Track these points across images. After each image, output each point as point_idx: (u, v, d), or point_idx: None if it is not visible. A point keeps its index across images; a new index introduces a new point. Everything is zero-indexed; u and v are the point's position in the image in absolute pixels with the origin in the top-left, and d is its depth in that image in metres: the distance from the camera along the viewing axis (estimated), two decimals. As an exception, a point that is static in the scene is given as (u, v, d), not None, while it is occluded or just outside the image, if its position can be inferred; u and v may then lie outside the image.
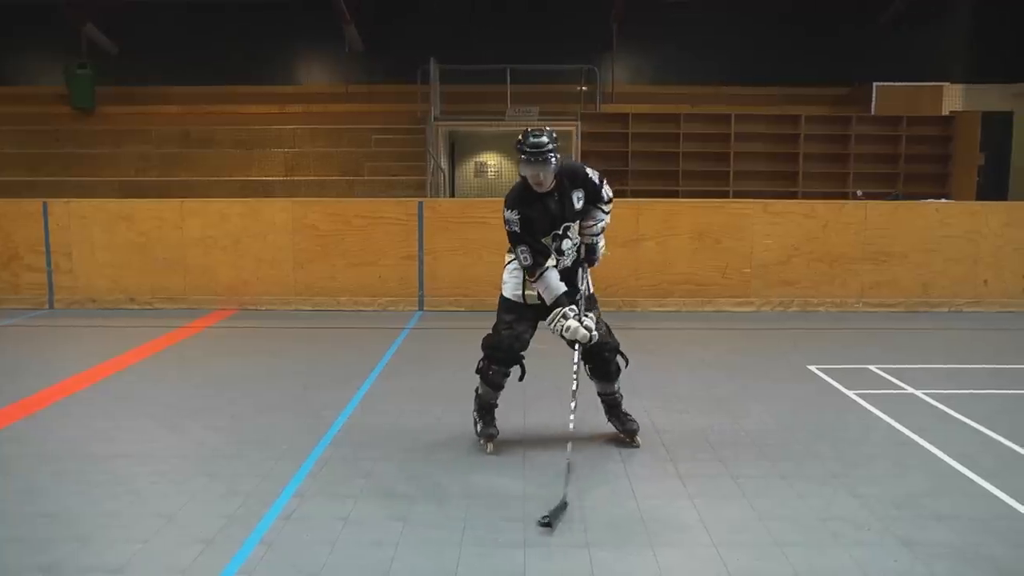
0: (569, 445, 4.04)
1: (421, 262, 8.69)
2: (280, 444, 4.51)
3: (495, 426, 4.50)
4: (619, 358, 4.47)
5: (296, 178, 13.64)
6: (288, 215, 8.72)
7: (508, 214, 4.18)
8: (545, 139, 4.06)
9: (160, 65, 15.30)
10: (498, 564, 3.19)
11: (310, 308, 8.72)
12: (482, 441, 4.48)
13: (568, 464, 3.92)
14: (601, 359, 4.43)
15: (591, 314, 4.24)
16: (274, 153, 14.02)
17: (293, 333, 7.84)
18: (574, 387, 4.25)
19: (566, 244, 4.28)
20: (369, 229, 8.69)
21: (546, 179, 4.13)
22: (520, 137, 4.13)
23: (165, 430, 4.81)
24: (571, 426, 4.15)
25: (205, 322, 8.18)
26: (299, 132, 14.39)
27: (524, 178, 4.19)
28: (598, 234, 4.40)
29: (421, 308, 8.72)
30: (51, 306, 8.80)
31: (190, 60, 15.29)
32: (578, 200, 4.27)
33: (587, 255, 4.41)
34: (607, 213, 4.45)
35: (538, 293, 4.29)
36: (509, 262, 4.44)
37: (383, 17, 15.59)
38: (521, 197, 4.21)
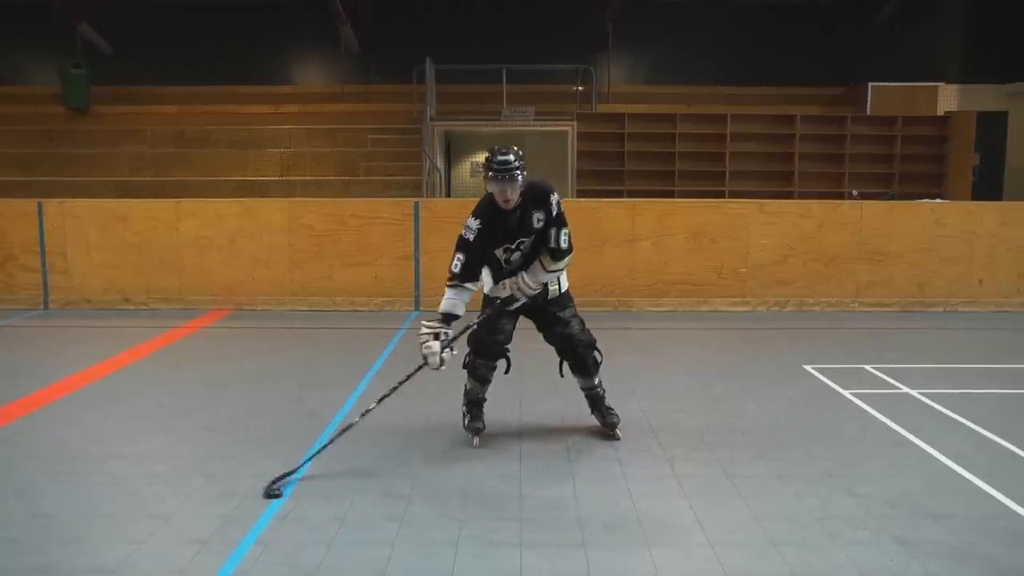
0: None
1: (417, 262, 8.69)
2: (276, 444, 4.51)
3: (482, 420, 4.64)
4: (595, 353, 4.58)
5: (292, 178, 13.63)
6: (284, 215, 8.71)
7: (471, 221, 4.31)
8: (512, 157, 4.18)
9: (155, 65, 15.26)
10: (494, 564, 3.19)
11: (306, 308, 8.71)
12: (470, 435, 4.60)
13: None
14: (576, 355, 4.57)
15: (453, 349, 4.26)
16: (270, 153, 14.00)
17: (289, 333, 7.83)
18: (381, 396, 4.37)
19: (515, 256, 4.41)
20: (365, 229, 8.68)
21: (512, 196, 4.23)
22: (488, 154, 4.26)
23: (161, 431, 4.80)
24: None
25: (201, 322, 8.16)
26: (295, 132, 14.37)
27: (491, 193, 4.28)
28: (547, 280, 4.45)
29: (417, 308, 8.71)
30: (46, 306, 8.78)
31: (185, 60, 15.25)
32: (538, 221, 4.34)
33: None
34: (552, 272, 4.41)
35: (504, 288, 4.40)
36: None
37: (379, 17, 15.57)
38: (487, 209, 4.32)
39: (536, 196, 4.32)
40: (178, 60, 15.25)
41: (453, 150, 17.51)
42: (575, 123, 13.97)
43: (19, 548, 3.31)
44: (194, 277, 8.72)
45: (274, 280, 8.72)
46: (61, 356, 6.76)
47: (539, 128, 14.35)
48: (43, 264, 8.75)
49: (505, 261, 4.40)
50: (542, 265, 4.39)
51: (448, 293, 4.31)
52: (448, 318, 4.28)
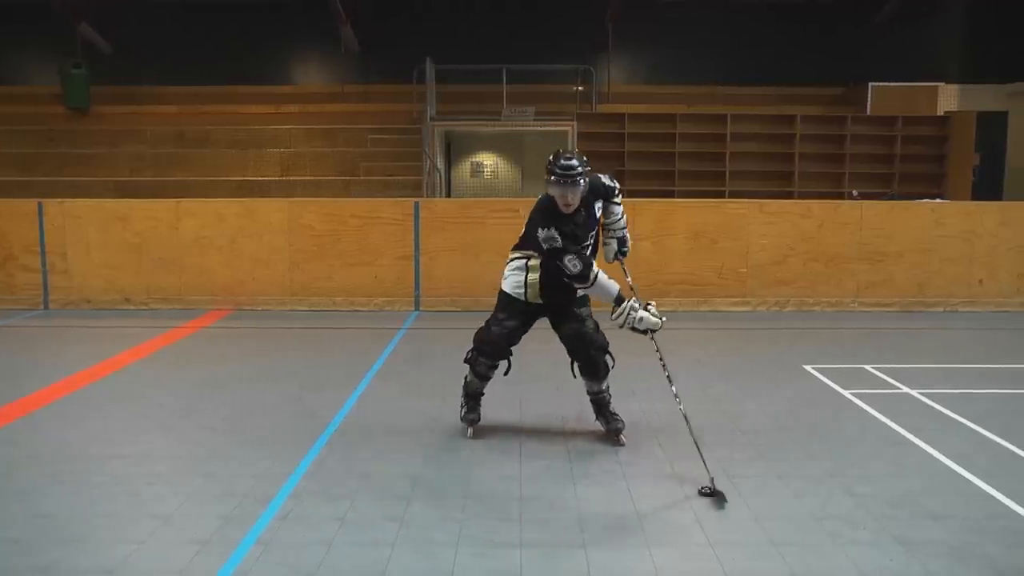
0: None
1: (417, 262, 8.69)
2: (276, 444, 4.51)
3: (478, 412, 4.69)
4: (607, 357, 4.55)
5: (292, 178, 13.63)
6: (284, 215, 8.71)
7: (545, 233, 4.21)
8: (575, 162, 4.17)
9: (155, 65, 15.26)
10: (494, 564, 3.19)
11: (306, 308, 8.71)
12: (465, 425, 4.67)
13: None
14: (588, 357, 4.53)
15: (651, 303, 4.35)
16: (270, 153, 14.00)
17: (289, 333, 7.83)
18: (666, 374, 4.41)
19: (590, 252, 4.44)
20: (365, 229, 8.68)
21: (574, 201, 4.23)
22: (551, 158, 4.23)
23: (161, 431, 4.80)
24: (680, 405, 4.28)
25: (201, 322, 8.16)
26: (295, 132, 14.37)
27: (550, 197, 4.26)
28: (624, 227, 4.69)
29: (417, 308, 8.71)
30: (46, 306, 8.78)
31: (185, 60, 15.25)
32: (598, 210, 4.47)
33: (620, 248, 4.70)
34: (620, 204, 4.66)
35: (539, 291, 4.43)
36: (514, 259, 4.55)
37: (379, 17, 15.57)
38: (551, 214, 4.27)
39: (593, 191, 4.39)
40: (178, 60, 15.25)
41: (453, 150, 17.51)
42: (575, 123, 13.97)
43: (19, 548, 3.31)
44: (194, 277, 8.72)
45: (274, 280, 8.72)
46: (61, 356, 6.76)
47: (539, 128, 14.35)
48: (43, 264, 8.75)
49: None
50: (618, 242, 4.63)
51: (598, 284, 4.26)
52: (622, 292, 4.31)
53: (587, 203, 4.35)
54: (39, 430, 4.84)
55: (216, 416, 5.06)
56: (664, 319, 4.30)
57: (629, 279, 4.65)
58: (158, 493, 3.87)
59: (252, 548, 3.31)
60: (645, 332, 4.29)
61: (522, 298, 4.48)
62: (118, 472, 4.12)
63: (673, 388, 4.34)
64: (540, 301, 4.47)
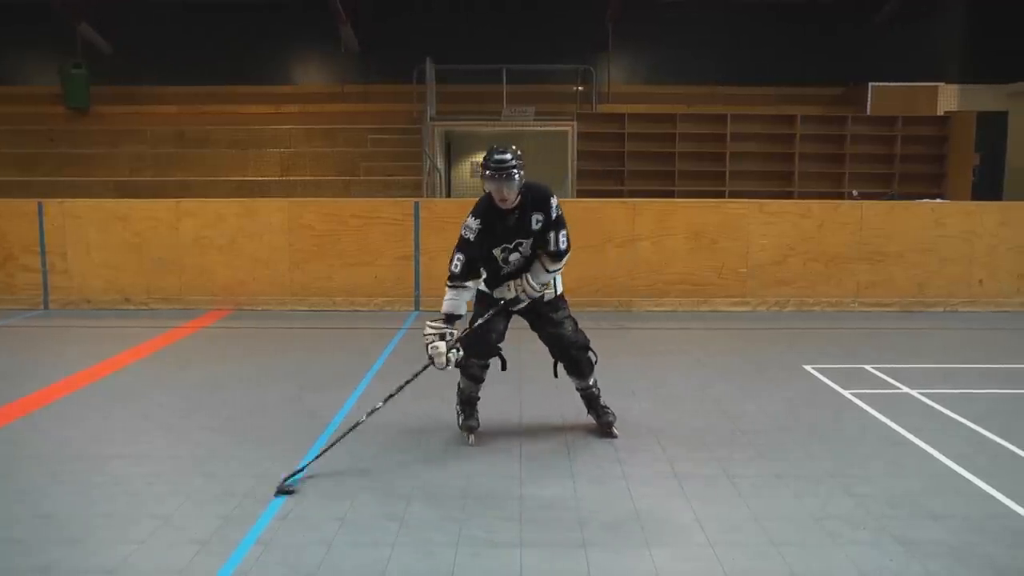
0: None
1: (417, 262, 8.69)
2: (276, 444, 4.51)
3: (476, 418, 4.67)
4: (589, 354, 4.58)
5: (292, 178, 13.62)
6: (284, 215, 8.71)
7: (470, 220, 4.28)
8: (509, 156, 4.17)
9: (155, 65, 15.26)
10: (494, 564, 3.19)
11: (306, 308, 8.71)
12: (464, 433, 4.63)
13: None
14: (570, 357, 4.57)
15: (457, 348, 4.28)
16: (270, 153, 13.99)
17: (289, 333, 7.83)
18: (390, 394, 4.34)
19: (514, 256, 4.40)
20: (365, 229, 8.69)
21: (509, 195, 4.21)
22: (485, 154, 4.25)
23: (161, 431, 4.80)
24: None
25: (201, 322, 8.16)
26: (295, 132, 14.37)
27: (489, 193, 4.26)
28: (533, 292, 4.44)
29: (417, 308, 8.71)
30: (46, 306, 8.78)
31: (185, 60, 15.25)
32: (536, 222, 4.34)
33: (530, 281, 4.44)
34: (552, 272, 4.45)
35: (509, 290, 4.43)
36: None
37: (379, 17, 15.57)
38: (487, 209, 4.30)
39: (536, 198, 4.33)
40: (178, 60, 15.24)
41: (453, 150, 17.50)
42: (575, 123, 13.97)
43: (20, 548, 3.31)
44: (194, 277, 8.73)
45: (274, 280, 8.72)
46: (61, 356, 6.76)
47: (539, 128, 14.35)
48: (43, 264, 8.75)
49: (503, 261, 4.40)
50: (543, 266, 4.41)
51: (449, 293, 4.30)
52: (451, 318, 4.28)
53: (524, 206, 4.29)
54: (39, 430, 4.84)
55: (216, 416, 5.06)
56: (449, 367, 4.22)
57: (554, 288, 4.53)
58: (158, 493, 3.87)
59: (252, 548, 3.31)
60: (429, 359, 4.22)
61: (501, 301, 4.49)
62: (118, 472, 4.12)
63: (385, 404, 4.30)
64: (510, 296, 4.43)
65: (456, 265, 4.28)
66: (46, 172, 13.47)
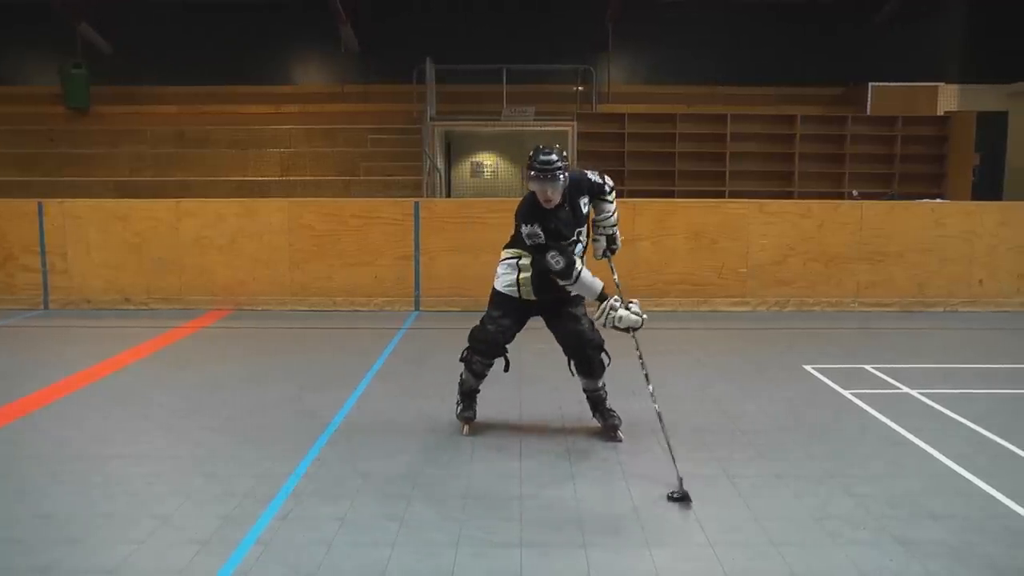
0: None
1: (417, 262, 8.69)
2: (276, 444, 4.51)
3: (473, 409, 4.71)
4: (603, 355, 4.56)
5: (292, 178, 13.63)
6: (284, 215, 8.71)
7: (529, 229, 4.22)
8: (554, 157, 4.18)
9: (155, 65, 15.27)
10: (494, 564, 3.19)
11: (306, 308, 8.71)
12: (460, 423, 4.68)
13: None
14: (584, 355, 4.55)
15: (634, 301, 4.33)
16: (270, 153, 14.00)
17: (289, 333, 7.83)
18: (644, 372, 4.34)
19: (578, 248, 4.42)
20: (365, 229, 8.68)
21: (554, 196, 4.24)
22: (531, 154, 4.24)
23: (161, 431, 4.80)
24: (656, 404, 4.24)
25: (201, 322, 8.16)
26: (295, 132, 14.37)
27: (533, 193, 4.26)
28: (615, 224, 4.64)
29: (417, 308, 8.71)
30: (46, 306, 8.78)
31: (185, 60, 15.26)
32: (584, 205, 4.45)
33: (609, 245, 4.67)
34: (613, 201, 4.64)
35: (533, 288, 4.44)
36: (506, 258, 4.56)
37: (379, 17, 15.58)
38: (536, 211, 4.28)
39: (576, 185, 4.39)
40: (178, 60, 15.26)
41: (453, 150, 17.51)
42: (575, 123, 13.97)
43: (20, 548, 3.31)
44: (194, 277, 8.72)
45: (274, 280, 8.72)
46: (61, 356, 6.75)
47: (539, 128, 14.35)
48: (43, 264, 8.75)
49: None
50: (608, 222, 4.58)
51: (581, 282, 4.25)
52: (605, 290, 4.28)
53: (571, 199, 4.35)
54: (39, 430, 4.84)
55: (216, 416, 5.06)
56: (645, 316, 4.28)
57: (616, 276, 4.67)
58: (158, 493, 3.86)
59: (252, 548, 3.31)
60: (626, 330, 4.27)
61: (515, 295, 4.50)
62: (118, 472, 4.12)
63: (650, 387, 4.32)
64: (533, 298, 4.48)
65: (558, 262, 4.20)
66: (46, 172, 13.48)
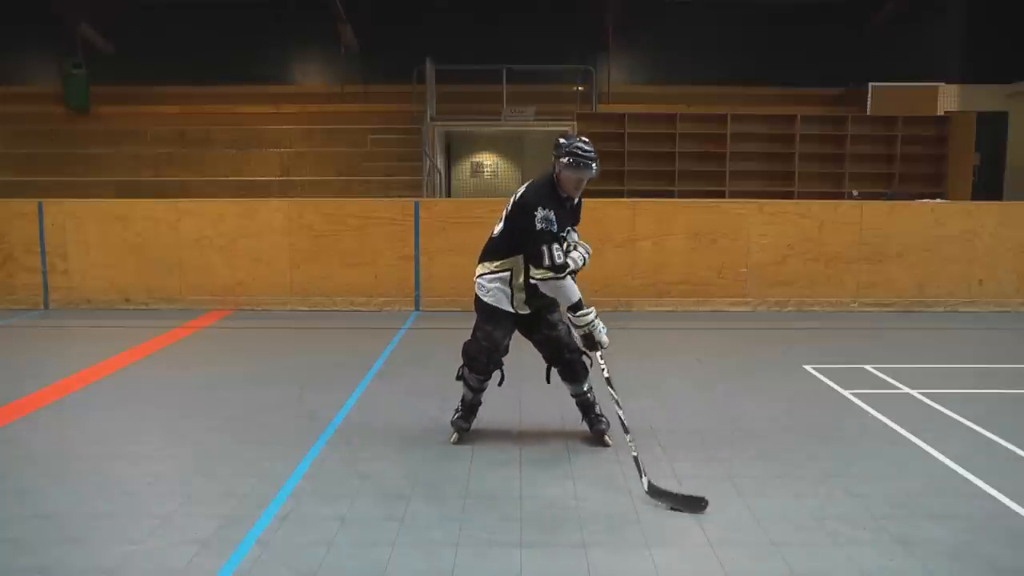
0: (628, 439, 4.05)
1: (417, 262, 8.69)
2: (276, 445, 4.51)
3: (470, 422, 4.61)
4: (583, 358, 4.49)
5: (292, 178, 13.63)
6: (284, 215, 8.71)
7: (544, 212, 4.10)
8: (591, 147, 4.16)
9: (155, 65, 15.27)
10: (494, 564, 3.19)
11: (306, 308, 8.71)
12: (452, 430, 4.58)
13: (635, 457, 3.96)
14: (564, 360, 4.49)
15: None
16: (270, 153, 14.00)
17: (289, 334, 7.83)
18: (611, 390, 4.22)
19: (567, 246, 4.33)
20: (365, 229, 8.69)
21: (581, 187, 4.24)
22: (564, 140, 4.16)
23: (161, 431, 4.80)
24: (620, 411, 4.15)
25: (201, 323, 8.16)
26: (295, 132, 14.38)
27: (552, 180, 4.22)
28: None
29: (417, 308, 8.71)
30: (46, 307, 8.78)
31: (185, 60, 15.27)
32: (581, 206, 4.46)
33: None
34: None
35: (525, 301, 4.35)
36: (492, 271, 4.41)
37: (379, 17, 15.59)
38: (553, 196, 4.20)
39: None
40: (178, 60, 15.26)
41: (453, 150, 17.52)
42: (575, 123, 13.97)
43: (19, 548, 3.31)
44: (194, 277, 8.73)
45: (274, 280, 8.72)
46: (61, 356, 6.76)
47: (539, 128, 14.36)
48: (43, 264, 8.75)
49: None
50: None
51: (568, 281, 4.16)
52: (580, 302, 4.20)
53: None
54: (38, 430, 4.84)
55: (216, 416, 5.06)
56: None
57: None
58: (157, 493, 3.86)
59: (252, 548, 3.30)
60: (595, 346, 4.18)
61: (510, 310, 4.40)
62: (117, 472, 4.12)
63: (612, 390, 4.21)
64: (527, 311, 4.40)
65: (559, 256, 4.12)
66: (46, 172, 13.48)
